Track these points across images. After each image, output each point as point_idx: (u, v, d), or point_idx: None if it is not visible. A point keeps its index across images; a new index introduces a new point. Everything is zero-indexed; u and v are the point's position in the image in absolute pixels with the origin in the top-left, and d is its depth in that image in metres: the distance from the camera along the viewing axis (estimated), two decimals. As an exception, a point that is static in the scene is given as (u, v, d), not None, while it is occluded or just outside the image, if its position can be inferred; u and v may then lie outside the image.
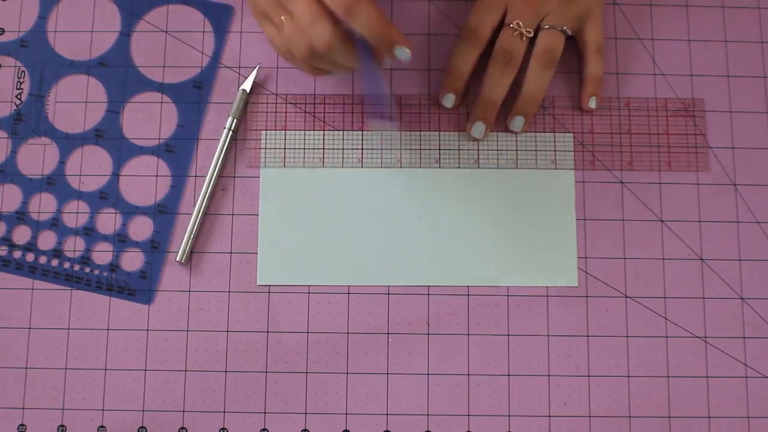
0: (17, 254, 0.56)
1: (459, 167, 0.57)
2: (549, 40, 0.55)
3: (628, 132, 0.57)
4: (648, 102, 0.58)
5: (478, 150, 0.57)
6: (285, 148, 0.57)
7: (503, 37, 0.55)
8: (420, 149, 0.57)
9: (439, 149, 0.57)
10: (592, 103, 0.57)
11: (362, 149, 0.57)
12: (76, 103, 0.58)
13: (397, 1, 0.60)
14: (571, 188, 0.57)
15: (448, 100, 0.56)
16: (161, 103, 0.58)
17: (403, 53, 0.47)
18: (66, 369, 0.55)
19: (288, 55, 0.50)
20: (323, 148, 0.57)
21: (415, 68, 0.59)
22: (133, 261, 0.56)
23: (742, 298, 0.56)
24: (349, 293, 0.56)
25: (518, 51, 0.55)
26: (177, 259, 0.55)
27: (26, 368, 0.55)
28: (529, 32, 0.54)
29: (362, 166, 0.57)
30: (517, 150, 0.57)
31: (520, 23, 0.54)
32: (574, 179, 0.57)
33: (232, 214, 0.57)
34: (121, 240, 0.56)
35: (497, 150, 0.57)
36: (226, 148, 0.57)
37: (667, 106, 0.58)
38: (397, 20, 0.59)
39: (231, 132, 0.57)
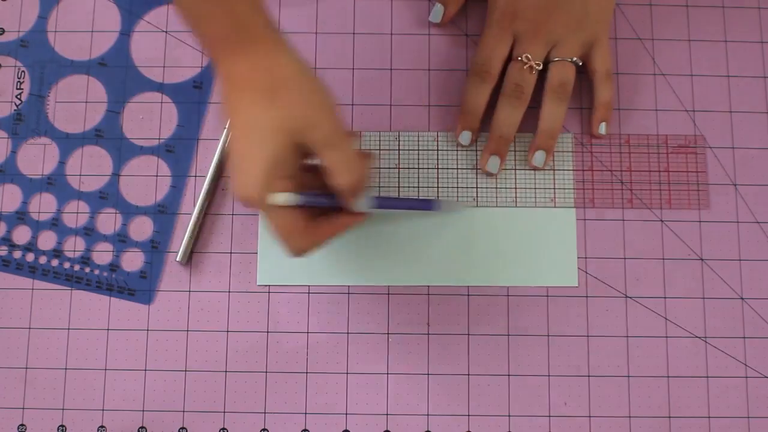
0: (17, 254, 0.56)
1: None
2: (561, 73, 0.54)
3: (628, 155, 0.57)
4: (649, 138, 0.57)
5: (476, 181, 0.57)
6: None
7: (512, 71, 0.54)
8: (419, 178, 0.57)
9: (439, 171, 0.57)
10: (602, 129, 0.56)
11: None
12: (76, 103, 0.58)
13: (397, 1, 0.60)
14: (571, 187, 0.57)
15: (465, 138, 0.56)
16: (161, 103, 0.58)
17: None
18: (66, 369, 0.55)
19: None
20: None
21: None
22: (133, 261, 0.56)
23: (742, 298, 0.56)
24: (349, 293, 0.56)
25: (528, 84, 0.54)
26: (177, 260, 0.55)
27: (26, 368, 0.55)
28: (538, 65, 0.54)
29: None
30: (516, 188, 0.57)
31: (529, 56, 0.54)
32: (573, 178, 0.57)
33: (232, 214, 0.57)
34: (121, 240, 0.56)
35: (496, 188, 0.57)
36: (227, 148, 0.57)
37: (668, 142, 0.57)
38: (397, 20, 0.60)
39: (231, 132, 0.57)
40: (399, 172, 0.57)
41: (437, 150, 0.57)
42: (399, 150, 0.57)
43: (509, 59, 0.55)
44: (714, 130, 0.58)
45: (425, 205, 0.53)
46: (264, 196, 0.43)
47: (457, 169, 0.57)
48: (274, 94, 0.43)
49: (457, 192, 0.57)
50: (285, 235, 0.44)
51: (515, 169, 0.57)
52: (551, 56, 0.54)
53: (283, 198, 0.43)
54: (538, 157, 0.56)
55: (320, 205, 0.46)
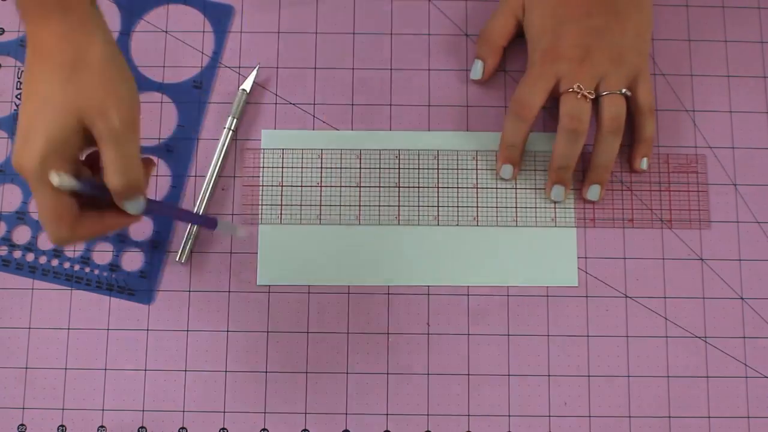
0: (17, 254, 0.56)
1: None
2: (613, 106, 0.53)
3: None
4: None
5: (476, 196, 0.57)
6: (284, 149, 0.57)
7: (567, 103, 0.53)
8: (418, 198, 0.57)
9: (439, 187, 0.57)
10: (644, 165, 0.55)
11: (360, 150, 0.57)
12: (76, 103, 0.58)
13: (397, 1, 0.60)
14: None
15: (506, 172, 0.56)
16: (161, 103, 0.58)
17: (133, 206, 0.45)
18: (66, 369, 0.55)
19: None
20: (322, 149, 0.57)
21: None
22: (133, 261, 0.56)
23: (742, 298, 0.56)
24: (349, 293, 0.56)
25: (585, 113, 0.53)
26: (177, 259, 0.55)
27: (26, 368, 0.55)
28: (591, 94, 0.52)
29: (360, 168, 0.57)
30: (516, 208, 0.57)
31: (581, 86, 0.52)
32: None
33: (232, 214, 0.57)
34: (121, 240, 0.56)
35: (497, 207, 0.56)
36: (227, 148, 0.57)
37: (669, 161, 0.57)
38: (397, 20, 0.60)
39: (231, 132, 0.57)
40: (399, 191, 0.57)
41: (437, 169, 0.57)
42: (399, 169, 0.57)
43: (547, 99, 0.54)
44: (714, 130, 0.58)
45: (203, 221, 0.52)
46: (39, 171, 0.41)
47: (458, 187, 0.57)
48: (75, 72, 0.42)
49: (458, 211, 0.56)
50: (51, 219, 0.43)
51: (516, 188, 0.57)
52: (599, 90, 0.53)
53: (58, 179, 0.41)
54: (593, 191, 0.55)
55: (95, 195, 0.44)
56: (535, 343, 0.55)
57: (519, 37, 0.57)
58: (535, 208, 0.56)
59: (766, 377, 0.55)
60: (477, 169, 0.57)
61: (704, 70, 0.59)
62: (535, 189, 0.57)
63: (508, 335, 0.55)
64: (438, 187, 0.57)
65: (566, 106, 0.53)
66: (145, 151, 0.57)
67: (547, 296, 0.55)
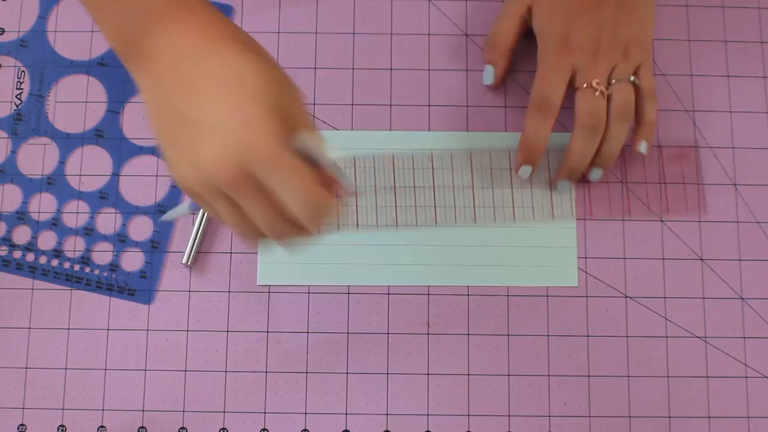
0: (17, 254, 0.56)
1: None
2: (624, 93, 0.53)
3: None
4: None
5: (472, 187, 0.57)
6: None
7: (585, 100, 0.53)
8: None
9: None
10: (643, 148, 0.55)
11: (356, 149, 0.57)
12: (76, 103, 0.58)
13: (398, 1, 0.60)
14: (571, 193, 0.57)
15: (525, 172, 0.55)
16: (161, 103, 0.58)
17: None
18: (66, 369, 0.55)
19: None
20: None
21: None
22: (133, 261, 0.56)
23: (742, 298, 0.56)
24: (349, 293, 0.56)
25: (604, 109, 0.53)
26: (183, 262, 0.55)
27: (26, 368, 0.55)
28: (608, 89, 0.53)
29: (355, 168, 0.57)
30: (513, 207, 0.57)
31: (599, 82, 0.53)
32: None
33: (232, 214, 0.57)
34: (121, 240, 0.56)
35: (494, 206, 0.56)
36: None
37: (662, 152, 0.57)
38: (397, 20, 0.60)
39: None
40: (395, 191, 0.57)
41: (432, 168, 0.57)
42: (394, 169, 0.57)
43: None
44: (714, 130, 0.58)
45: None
46: (281, 146, 0.35)
47: (454, 187, 0.57)
48: (251, 47, 0.37)
49: (455, 211, 0.56)
50: (313, 188, 0.37)
51: (512, 188, 0.57)
52: (611, 79, 0.53)
53: (300, 139, 0.35)
54: (596, 173, 0.55)
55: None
56: (535, 343, 0.55)
57: (525, 37, 0.57)
58: (533, 207, 0.56)
59: (766, 377, 0.55)
60: (472, 169, 0.57)
61: (704, 70, 0.59)
62: (531, 187, 0.57)
63: (508, 335, 0.55)
64: (434, 187, 0.57)
65: (585, 104, 0.53)
66: (145, 151, 0.58)
67: (547, 296, 0.56)
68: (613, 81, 0.53)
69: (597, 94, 0.53)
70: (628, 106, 0.53)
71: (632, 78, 0.53)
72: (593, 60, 0.53)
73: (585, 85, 0.53)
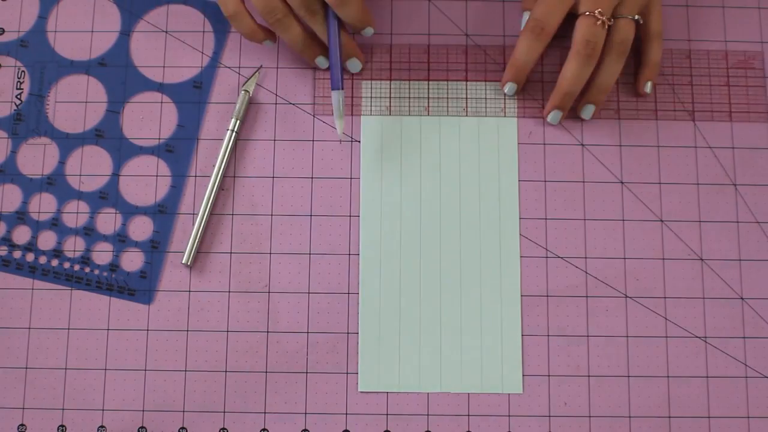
0: (17, 254, 0.56)
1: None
2: (624, 30, 0.54)
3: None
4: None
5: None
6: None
7: (584, 27, 0.53)
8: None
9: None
10: (648, 88, 0.56)
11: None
12: (76, 103, 0.58)
13: (397, 1, 0.60)
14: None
15: (510, 89, 0.56)
16: (161, 103, 0.58)
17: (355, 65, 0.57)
18: (66, 369, 0.55)
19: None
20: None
21: (416, 71, 0.59)
22: (133, 261, 0.56)
23: (742, 298, 0.56)
24: (348, 293, 0.56)
25: (601, 40, 0.53)
26: (183, 262, 0.55)
27: (26, 368, 0.55)
28: (609, 20, 0.53)
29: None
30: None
31: (602, 12, 0.53)
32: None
33: (232, 215, 0.57)
34: (121, 240, 0.56)
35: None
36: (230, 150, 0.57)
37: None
38: (397, 20, 0.60)
39: (234, 134, 0.57)
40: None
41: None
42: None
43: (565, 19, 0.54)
44: (714, 130, 0.58)
45: (336, 76, 0.56)
46: None
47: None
48: None
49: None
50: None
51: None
52: (615, 14, 0.54)
53: None
54: (588, 110, 0.56)
55: None
56: (535, 343, 0.55)
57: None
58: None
59: (766, 377, 0.55)
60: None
61: (704, 70, 0.59)
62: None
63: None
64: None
65: (584, 30, 0.53)
66: (145, 151, 0.58)
67: (547, 296, 0.56)
68: (618, 16, 0.53)
69: (598, 23, 0.53)
70: (625, 44, 0.54)
71: (636, 17, 0.54)
72: None
73: (587, 13, 0.53)
